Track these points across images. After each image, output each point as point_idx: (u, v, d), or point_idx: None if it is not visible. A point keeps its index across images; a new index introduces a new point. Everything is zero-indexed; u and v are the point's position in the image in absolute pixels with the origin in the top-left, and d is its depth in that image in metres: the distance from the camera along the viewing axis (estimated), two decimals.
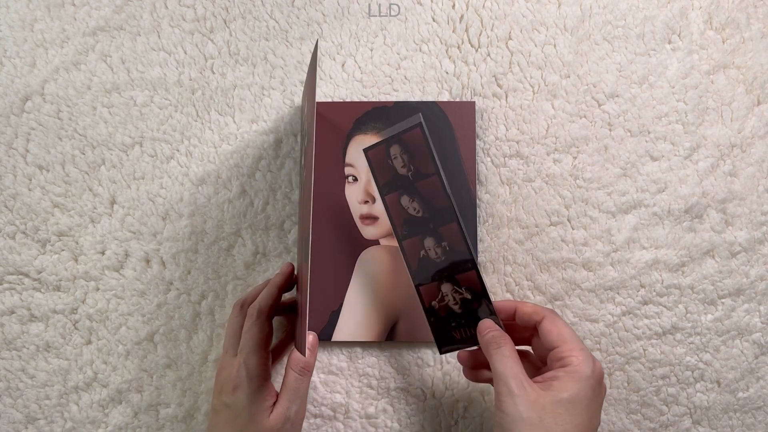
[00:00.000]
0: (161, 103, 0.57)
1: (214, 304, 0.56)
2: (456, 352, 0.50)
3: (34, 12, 0.57)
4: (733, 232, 0.56)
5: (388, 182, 0.49)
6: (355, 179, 0.56)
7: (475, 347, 0.48)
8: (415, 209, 0.49)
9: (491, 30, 0.57)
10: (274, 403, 0.47)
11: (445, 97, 0.57)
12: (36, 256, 0.56)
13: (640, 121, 0.56)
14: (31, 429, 0.56)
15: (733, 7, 0.57)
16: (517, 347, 0.44)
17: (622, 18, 0.57)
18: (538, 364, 0.48)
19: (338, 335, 0.55)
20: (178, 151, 0.57)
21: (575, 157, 0.56)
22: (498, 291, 0.56)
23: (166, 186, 0.57)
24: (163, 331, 0.56)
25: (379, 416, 0.56)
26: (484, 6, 0.57)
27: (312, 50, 0.57)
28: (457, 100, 0.57)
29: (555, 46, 0.57)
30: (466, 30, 0.57)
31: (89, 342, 0.56)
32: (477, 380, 0.49)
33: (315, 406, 0.56)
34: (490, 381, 0.48)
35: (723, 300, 0.56)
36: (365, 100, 0.57)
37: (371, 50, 0.57)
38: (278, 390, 0.49)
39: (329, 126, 0.56)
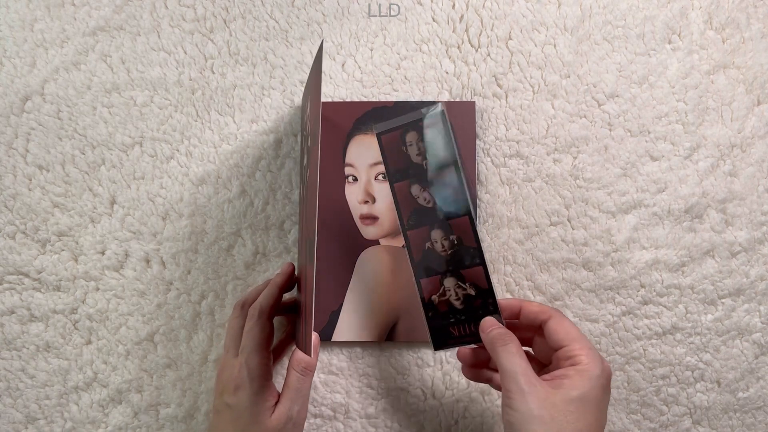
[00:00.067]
0: (161, 103, 0.57)
1: (214, 304, 0.56)
2: (454, 350, 0.49)
3: (34, 12, 0.57)
4: (733, 232, 0.56)
5: (399, 169, 0.48)
6: (355, 179, 0.56)
7: (472, 345, 0.47)
8: (425, 199, 0.48)
9: (491, 30, 0.57)
10: (276, 403, 0.47)
11: (445, 97, 0.57)
12: (36, 256, 0.56)
13: (640, 121, 0.56)
14: (31, 429, 0.56)
15: (733, 7, 0.57)
16: None
17: (622, 18, 0.57)
18: (540, 365, 0.48)
19: (338, 335, 0.55)
20: (178, 151, 0.57)
21: (575, 157, 0.56)
22: (498, 291, 0.56)
23: (166, 186, 0.57)
24: (163, 331, 0.56)
25: (379, 416, 0.56)
26: (484, 6, 0.57)
27: (316, 50, 0.57)
28: (457, 100, 0.57)
29: (555, 46, 0.57)
30: (466, 30, 0.57)
31: (89, 342, 0.56)
32: (476, 379, 0.49)
33: (315, 406, 0.56)
34: (488, 381, 0.48)
35: (723, 300, 0.56)
36: (365, 100, 0.57)
37: (371, 50, 0.57)
38: (279, 390, 0.49)
39: (329, 126, 0.56)
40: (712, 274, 0.56)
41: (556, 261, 0.56)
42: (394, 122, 0.48)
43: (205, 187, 0.57)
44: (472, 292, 0.47)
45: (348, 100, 0.57)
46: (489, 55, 0.57)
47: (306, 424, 0.55)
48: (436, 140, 0.47)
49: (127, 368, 0.56)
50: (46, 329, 0.56)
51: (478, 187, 0.56)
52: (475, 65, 0.57)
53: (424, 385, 0.56)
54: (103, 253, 0.56)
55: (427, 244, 0.48)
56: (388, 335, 0.55)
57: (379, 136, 0.49)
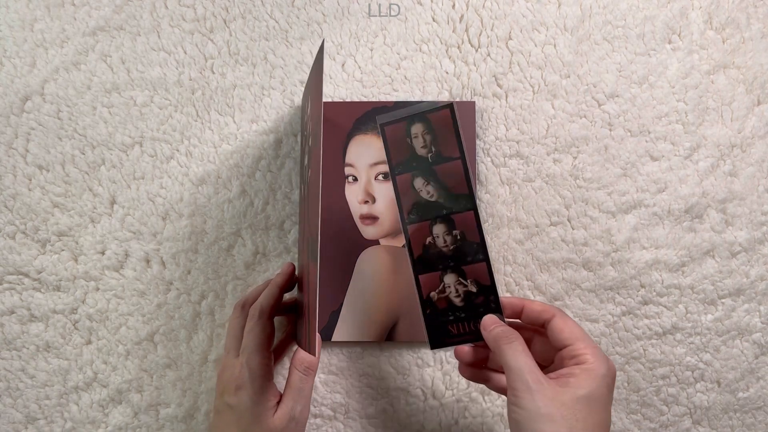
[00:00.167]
0: (161, 103, 0.57)
1: (214, 304, 0.56)
2: (452, 348, 0.48)
3: (34, 12, 0.57)
4: (733, 232, 0.56)
5: (402, 161, 0.47)
6: (355, 179, 0.56)
7: (470, 344, 0.47)
8: (428, 193, 0.47)
9: (491, 30, 0.57)
10: (277, 403, 0.47)
11: (445, 97, 0.57)
12: (36, 256, 0.56)
13: (640, 121, 0.56)
14: (31, 429, 0.56)
15: (733, 7, 0.57)
16: None
17: (622, 18, 0.57)
18: (539, 365, 0.47)
19: (338, 335, 0.55)
20: (178, 151, 0.57)
21: (575, 157, 0.56)
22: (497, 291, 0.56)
23: (166, 186, 0.57)
24: (163, 331, 0.56)
25: (379, 416, 0.56)
26: (484, 6, 0.57)
27: (316, 50, 0.57)
28: (457, 100, 0.57)
29: (555, 46, 0.57)
30: (466, 30, 0.57)
31: (89, 342, 0.56)
32: (473, 378, 0.48)
33: (315, 406, 0.56)
34: (485, 381, 0.47)
35: (723, 300, 0.56)
36: (365, 100, 0.57)
37: (371, 50, 0.57)
38: (280, 390, 0.49)
39: (329, 126, 0.56)
40: (712, 274, 0.56)
41: (556, 261, 0.56)
42: (398, 113, 0.47)
43: (205, 187, 0.57)
44: (474, 289, 0.46)
45: (348, 100, 0.57)
46: (489, 55, 0.57)
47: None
48: (442, 133, 0.46)
49: (127, 368, 0.56)
50: (46, 329, 0.56)
51: (478, 187, 0.56)
52: (475, 65, 0.57)
53: (424, 385, 0.56)
54: (103, 253, 0.56)
55: (428, 239, 0.47)
56: (388, 335, 0.55)
57: (382, 126, 0.47)
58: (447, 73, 0.57)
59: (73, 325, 0.56)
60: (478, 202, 0.56)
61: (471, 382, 0.56)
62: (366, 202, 0.55)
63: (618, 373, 0.56)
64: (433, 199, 0.47)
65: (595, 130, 0.57)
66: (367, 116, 0.56)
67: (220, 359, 0.56)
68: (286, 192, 0.57)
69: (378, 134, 0.56)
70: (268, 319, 0.48)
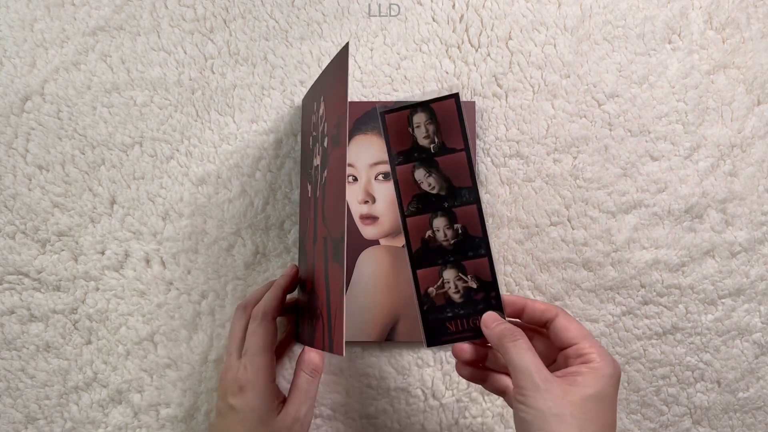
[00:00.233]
0: (161, 103, 0.57)
1: (215, 304, 0.56)
2: (449, 346, 0.48)
3: (34, 12, 0.57)
4: (733, 232, 0.56)
5: (403, 152, 0.45)
6: (355, 179, 0.56)
7: (467, 341, 0.46)
8: (429, 185, 0.45)
9: (491, 30, 0.57)
10: (280, 404, 0.47)
11: None
12: (36, 256, 0.56)
13: (640, 121, 0.56)
14: (31, 429, 0.56)
15: (733, 7, 0.57)
16: None
17: (622, 18, 0.57)
18: None
19: None
20: (178, 151, 0.57)
21: (575, 157, 0.56)
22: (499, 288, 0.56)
23: (166, 186, 0.57)
24: (163, 331, 0.56)
25: (379, 416, 0.56)
26: (484, 6, 0.57)
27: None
28: None
29: (555, 46, 0.57)
30: (466, 30, 0.57)
31: (89, 342, 0.56)
32: (471, 378, 0.47)
33: (315, 406, 0.56)
34: (482, 381, 0.47)
35: (723, 300, 0.56)
36: (365, 100, 0.57)
37: (371, 50, 0.57)
38: (282, 391, 0.49)
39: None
40: (712, 274, 0.56)
41: (556, 261, 0.56)
42: (400, 103, 0.46)
43: (205, 187, 0.57)
44: (474, 285, 0.45)
45: (348, 100, 0.57)
46: (489, 55, 0.57)
47: None
48: (446, 123, 0.45)
49: (127, 368, 0.56)
50: (46, 329, 0.56)
51: (477, 187, 0.56)
52: (475, 65, 0.57)
53: (424, 385, 0.56)
54: (103, 253, 0.56)
55: (428, 233, 0.45)
56: (388, 335, 0.55)
57: (382, 114, 0.46)
58: (447, 73, 0.57)
59: (73, 325, 0.56)
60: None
61: (471, 382, 0.55)
62: (366, 202, 0.55)
63: None
64: (434, 192, 0.45)
65: (595, 130, 0.57)
66: (367, 116, 0.56)
67: (220, 359, 0.56)
68: (286, 192, 0.57)
69: (378, 134, 0.56)
70: (272, 320, 0.48)
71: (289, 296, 0.53)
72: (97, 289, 0.56)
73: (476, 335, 0.45)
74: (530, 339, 0.47)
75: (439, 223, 0.45)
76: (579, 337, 0.42)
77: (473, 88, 0.57)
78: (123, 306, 0.56)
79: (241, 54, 0.57)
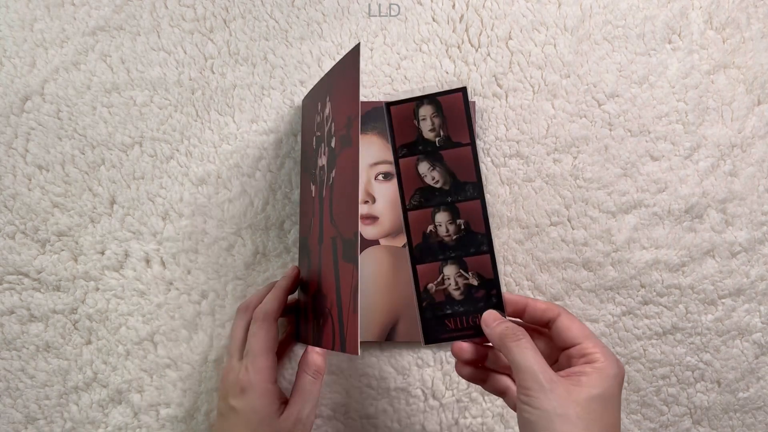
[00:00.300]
0: (161, 103, 0.57)
1: (215, 304, 0.56)
2: (448, 345, 0.47)
3: (34, 12, 0.57)
4: (733, 232, 0.56)
5: (407, 144, 0.45)
6: None
7: (467, 340, 0.45)
8: (433, 178, 0.45)
9: (491, 30, 0.57)
10: (282, 405, 0.47)
11: None
12: (36, 256, 0.56)
13: (640, 121, 0.56)
14: (30, 429, 0.56)
15: (733, 7, 0.57)
16: None
17: (622, 18, 0.57)
18: None
19: None
20: (178, 151, 0.57)
21: (575, 157, 0.56)
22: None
23: (166, 186, 0.57)
24: (163, 331, 0.56)
25: (379, 416, 0.56)
26: (484, 6, 0.57)
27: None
28: None
29: (555, 46, 0.57)
30: (466, 30, 0.57)
31: (89, 342, 0.56)
32: (471, 378, 0.46)
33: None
34: (482, 382, 0.46)
35: (723, 300, 0.56)
36: (365, 100, 0.57)
37: (371, 50, 0.57)
38: (283, 392, 0.49)
39: None
40: (712, 274, 0.56)
41: (556, 261, 0.56)
42: (406, 94, 0.45)
43: (205, 187, 0.57)
44: (475, 282, 0.44)
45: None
46: (489, 55, 0.57)
47: None
48: (452, 116, 0.44)
49: (127, 368, 0.56)
50: (45, 329, 0.56)
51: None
52: (475, 65, 0.57)
53: (424, 385, 0.56)
54: (102, 253, 0.56)
55: (429, 228, 0.45)
56: (388, 335, 0.55)
57: (387, 106, 0.45)
58: (447, 73, 0.57)
59: (73, 325, 0.56)
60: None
61: (470, 382, 0.55)
62: (366, 202, 0.55)
63: None
64: (437, 186, 0.45)
65: (595, 130, 0.57)
66: (367, 116, 0.56)
67: (220, 359, 0.56)
68: (286, 192, 0.57)
69: (378, 134, 0.55)
70: (273, 322, 0.48)
71: (289, 297, 0.53)
72: (97, 289, 0.56)
73: (476, 333, 0.45)
74: (531, 339, 0.47)
75: (442, 217, 0.45)
76: (582, 336, 0.42)
77: (473, 88, 0.57)
78: (123, 306, 0.56)
79: (241, 54, 0.57)
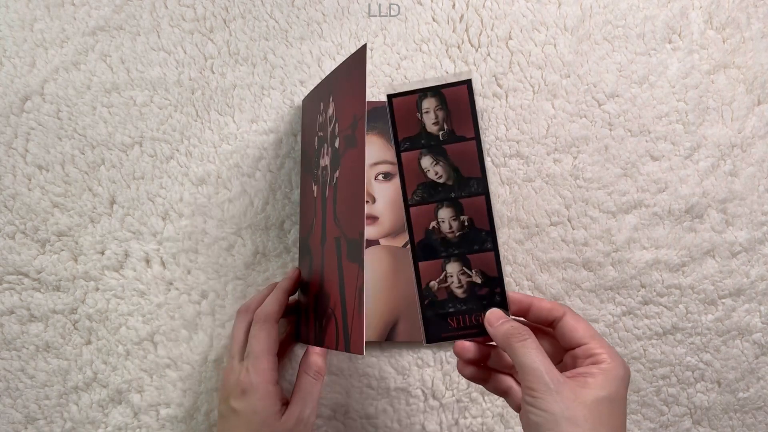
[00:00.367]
0: (161, 103, 0.57)
1: (215, 304, 0.56)
2: (446, 343, 0.47)
3: (34, 12, 0.57)
4: (733, 232, 0.56)
5: (409, 138, 0.44)
6: None
7: (470, 339, 0.44)
8: (436, 173, 0.43)
9: (491, 30, 0.57)
10: (283, 406, 0.47)
11: None
12: (35, 256, 0.56)
13: (640, 121, 0.56)
14: (30, 429, 0.56)
15: (733, 7, 0.57)
16: None
17: (622, 18, 0.57)
18: None
19: None
20: (177, 151, 0.57)
21: (575, 157, 0.56)
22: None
23: (166, 186, 0.57)
24: (163, 331, 0.56)
25: (379, 416, 0.56)
26: (484, 6, 0.57)
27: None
28: None
29: (555, 45, 0.57)
30: (466, 30, 0.57)
31: (89, 342, 0.56)
32: (473, 378, 0.45)
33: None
34: (483, 382, 0.45)
35: (723, 300, 0.56)
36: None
37: (371, 50, 0.57)
38: (285, 393, 0.49)
39: None
40: (712, 274, 0.56)
41: (556, 261, 0.56)
42: (410, 85, 0.44)
43: (205, 187, 0.57)
44: (478, 280, 0.43)
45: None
46: (489, 55, 0.57)
47: None
48: (457, 110, 0.43)
49: (127, 368, 0.56)
50: (45, 329, 0.56)
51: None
52: (475, 65, 0.57)
53: (424, 385, 0.56)
54: (102, 253, 0.56)
55: (432, 224, 0.43)
56: (388, 335, 0.55)
57: (389, 98, 0.44)
58: (447, 73, 0.57)
59: (73, 325, 0.56)
60: None
61: (471, 382, 0.55)
62: (366, 202, 0.55)
63: None
64: (441, 181, 0.43)
65: (596, 130, 0.57)
66: (367, 116, 0.56)
67: (220, 359, 0.56)
68: (286, 192, 0.57)
69: (378, 134, 0.55)
70: (274, 323, 0.48)
71: (289, 298, 0.53)
72: (97, 289, 0.56)
73: (479, 333, 0.44)
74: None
75: (445, 213, 0.44)
76: (588, 337, 0.41)
77: (473, 88, 0.57)
78: (123, 306, 0.56)
79: (241, 54, 0.57)
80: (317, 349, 0.50)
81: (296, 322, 0.54)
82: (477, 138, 0.43)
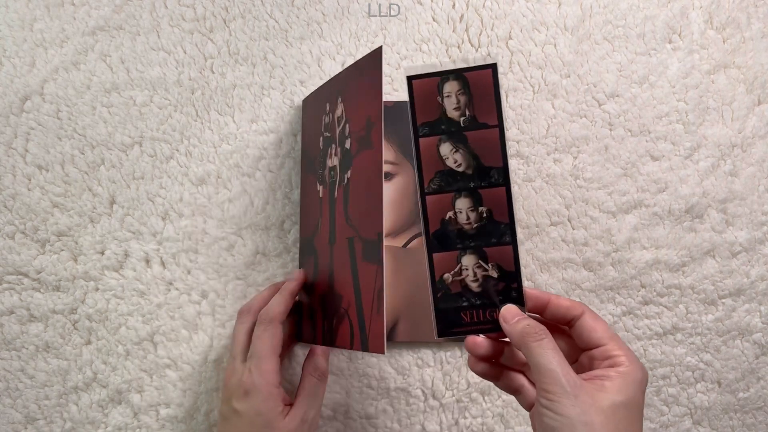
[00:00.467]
0: (161, 103, 0.57)
1: (215, 304, 0.56)
2: (455, 349, 0.47)
3: (34, 11, 0.57)
4: (733, 232, 0.56)
5: (428, 123, 0.41)
6: None
7: (482, 335, 0.42)
8: (455, 161, 0.41)
9: (491, 30, 0.57)
10: (286, 408, 0.47)
11: None
12: (35, 256, 0.56)
13: (640, 121, 0.56)
14: (30, 429, 0.56)
15: (733, 7, 0.57)
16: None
17: (622, 17, 0.57)
18: None
19: None
20: (177, 150, 0.57)
21: (575, 157, 0.56)
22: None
23: (166, 186, 0.56)
24: (163, 331, 0.56)
25: (379, 416, 0.56)
26: (484, 6, 0.57)
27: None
28: None
29: (555, 45, 0.57)
30: (466, 30, 0.57)
31: (89, 342, 0.56)
32: (484, 374, 0.43)
33: None
34: (495, 379, 0.44)
35: (723, 300, 0.56)
36: None
37: (371, 50, 0.57)
38: (286, 394, 0.49)
39: None
40: (712, 274, 0.56)
41: (557, 261, 0.56)
42: (431, 67, 0.42)
43: (205, 187, 0.57)
44: (495, 274, 0.41)
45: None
46: (489, 54, 0.57)
47: None
48: (480, 95, 0.40)
49: (127, 368, 0.56)
50: (45, 329, 0.56)
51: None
52: None
53: (424, 385, 0.56)
54: (102, 253, 0.56)
55: (449, 214, 0.42)
56: (388, 335, 0.55)
57: (409, 79, 0.41)
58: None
59: (73, 325, 0.56)
60: None
61: (471, 382, 0.55)
62: None
63: None
64: (460, 169, 0.41)
65: (596, 130, 0.56)
66: None
67: (220, 359, 0.56)
68: (286, 192, 0.57)
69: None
70: (278, 325, 0.48)
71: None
72: (97, 289, 0.56)
73: (493, 328, 0.42)
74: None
75: (463, 204, 0.42)
76: (606, 338, 0.39)
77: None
78: (123, 306, 0.56)
79: (240, 54, 0.57)
80: (321, 350, 0.50)
81: (297, 322, 0.54)
82: (500, 126, 0.41)
